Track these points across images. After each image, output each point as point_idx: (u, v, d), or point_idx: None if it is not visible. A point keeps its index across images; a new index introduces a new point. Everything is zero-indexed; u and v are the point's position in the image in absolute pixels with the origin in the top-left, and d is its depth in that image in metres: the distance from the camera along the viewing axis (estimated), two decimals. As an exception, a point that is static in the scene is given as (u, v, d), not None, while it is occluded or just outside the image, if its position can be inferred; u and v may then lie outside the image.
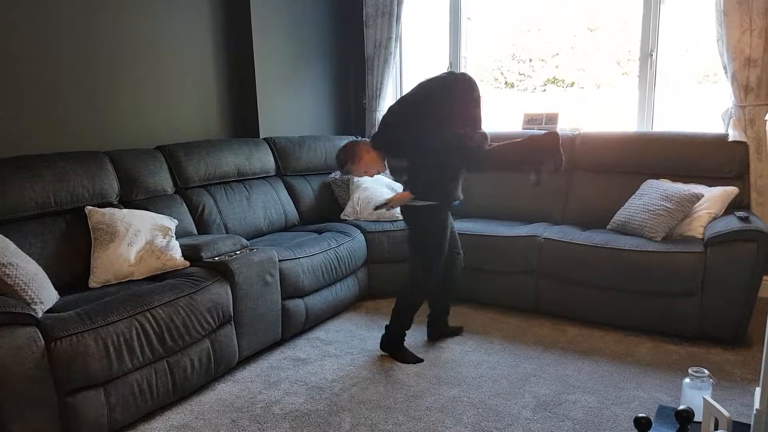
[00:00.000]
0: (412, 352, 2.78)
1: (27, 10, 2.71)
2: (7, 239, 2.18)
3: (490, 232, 3.39)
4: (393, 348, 2.78)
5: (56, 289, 2.29)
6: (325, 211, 3.93)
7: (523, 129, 4.11)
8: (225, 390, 2.51)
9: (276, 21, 3.99)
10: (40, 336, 1.90)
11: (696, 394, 1.96)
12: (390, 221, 3.70)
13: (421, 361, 2.73)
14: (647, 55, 3.70)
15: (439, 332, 3.01)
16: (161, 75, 3.38)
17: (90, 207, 2.65)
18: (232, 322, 2.60)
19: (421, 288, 2.72)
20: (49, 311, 2.11)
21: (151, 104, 3.35)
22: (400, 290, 2.77)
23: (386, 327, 2.81)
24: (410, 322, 2.77)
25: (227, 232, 3.28)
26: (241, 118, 3.95)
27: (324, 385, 2.53)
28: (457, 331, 3.06)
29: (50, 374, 1.91)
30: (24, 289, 2.04)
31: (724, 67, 3.29)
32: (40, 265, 2.30)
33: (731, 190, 3.13)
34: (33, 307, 2.02)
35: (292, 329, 2.97)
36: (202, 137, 3.66)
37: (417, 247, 2.71)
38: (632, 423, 2.12)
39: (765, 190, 3.26)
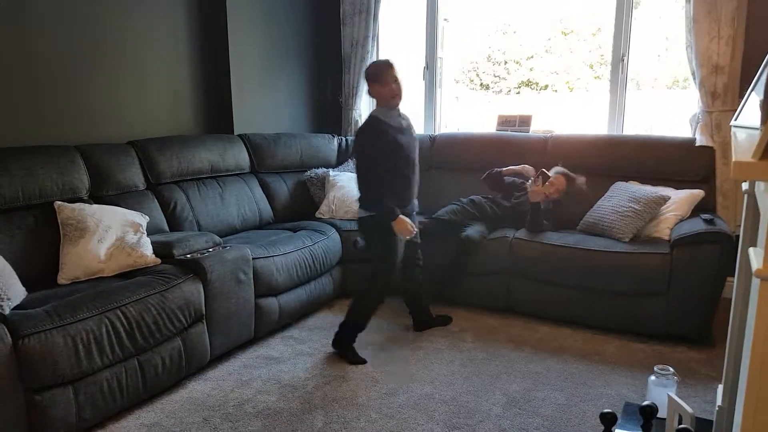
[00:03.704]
0: (357, 353, 2.78)
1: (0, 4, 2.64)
2: (-29, 234, 2.13)
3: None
4: (344, 346, 2.81)
5: (24, 285, 2.24)
6: (300, 209, 3.92)
7: (497, 130, 4.16)
8: (196, 389, 2.48)
9: (252, 17, 3.96)
10: (7, 333, 1.86)
11: (661, 391, 2.01)
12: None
13: (364, 362, 2.73)
14: (619, 59, 3.78)
15: (423, 324, 3.14)
16: (134, 70, 3.33)
17: (59, 202, 2.59)
18: (204, 321, 2.58)
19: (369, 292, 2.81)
20: (16, 308, 2.07)
21: (124, 99, 3.29)
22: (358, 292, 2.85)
23: (341, 325, 2.84)
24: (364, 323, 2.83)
25: (200, 230, 3.25)
26: (216, 115, 3.91)
27: (297, 383, 2.53)
28: (445, 321, 3.20)
29: (17, 371, 1.87)
30: (-11, 285, 1.99)
31: (693, 74, 3.39)
32: (7, 260, 2.24)
33: (697, 193, 3.21)
34: (0, 303, 1.98)
35: (265, 327, 2.96)
36: (176, 133, 3.61)
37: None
38: (599, 419, 2.17)
39: (730, 194, 3.36)
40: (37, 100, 2.87)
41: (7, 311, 1.98)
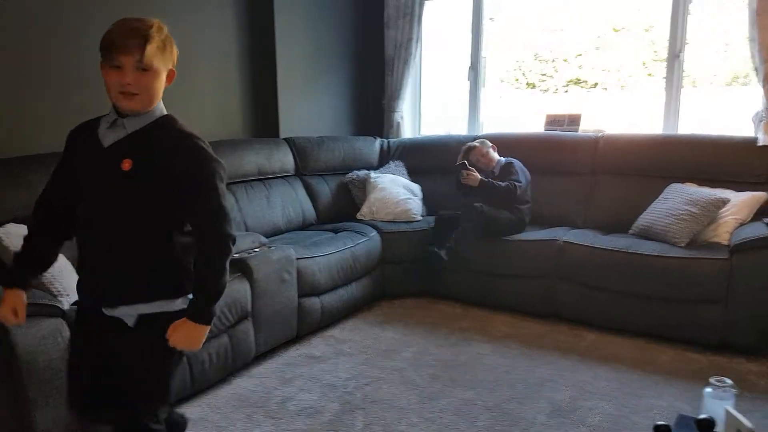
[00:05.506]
0: None
1: (55, 7, 2.77)
2: (32, 232, 2.23)
3: (508, 236, 3.36)
4: None
5: (79, 282, 2.33)
6: (342, 210, 3.93)
7: (545, 130, 4.06)
8: (241, 385, 2.53)
9: (298, 23, 4.02)
10: (66, 327, 1.94)
11: (717, 404, 1.91)
12: (406, 222, 3.69)
13: None
14: (674, 56, 3.63)
15: None
16: (185, 75, 3.41)
17: (113, 202, 2.68)
18: (250, 318, 2.63)
19: None
20: (74, 303, 2.15)
21: (175, 104, 3.36)
22: None
23: None
24: None
25: (247, 230, 3.31)
26: (263, 119, 3.98)
27: (338, 383, 2.53)
28: None
29: (71, 365, 1.95)
30: (51, 281, 2.08)
31: (755, 69, 3.21)
32: (67, 258, 2.35)
33: (759, 196, 3.04)
34: (59, 299, 2.07)
35: (307, 327, 2.99)
36: (225, 137, 3.69)
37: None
38: (651, 431, 2.08)
39: (795, 197, 3.16)
40: (90, 107, 2.99)
41: (66, 307, 2.07)
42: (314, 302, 3.01)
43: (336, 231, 3.53)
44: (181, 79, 3.40)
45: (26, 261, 1.50)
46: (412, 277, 3.57)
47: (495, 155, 3.62)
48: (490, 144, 3.64)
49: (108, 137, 1.41)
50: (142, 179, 1.37)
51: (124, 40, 1.36)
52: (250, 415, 2.28)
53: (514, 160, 3.54)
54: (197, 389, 2.40)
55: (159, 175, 1.38)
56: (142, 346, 1.43)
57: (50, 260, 1.53)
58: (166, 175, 1.38)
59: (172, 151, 1.40)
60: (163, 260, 1.44)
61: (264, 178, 3.62)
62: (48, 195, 1.50)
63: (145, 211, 1.40)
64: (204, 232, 1.43)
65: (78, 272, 1.52)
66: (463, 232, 3.33)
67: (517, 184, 3.37)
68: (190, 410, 2.31)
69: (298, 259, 2.91)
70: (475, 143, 3.65)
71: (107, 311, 1.44)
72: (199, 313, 1.43)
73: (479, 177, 3.39)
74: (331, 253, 3.13)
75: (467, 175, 3.39)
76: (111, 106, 1.43)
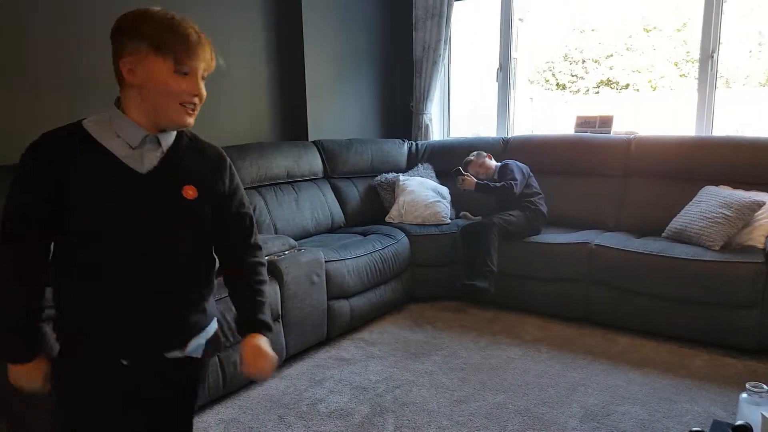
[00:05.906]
0: None
1: (85, 10, 2.86)
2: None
3: (539, 239, 3.34)
4: None
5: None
6: (371, 213, 3.96)
7: (576, 132, 4.02)
8: (272, 386, 2.57)
9: (326, 26, 4.06)
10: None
11: (754, 410, 1.87)
12: (435, 225, 3.69)
13: None
14: (708, 56, 3.56)
15: None
16: (215, 80, 3.49)
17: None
18: (280, 321, 2.67)
19: None
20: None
21: (205, 108, 3.45)
22: None
23: None
24: None
25: (276, 233, 3.36)
26: (291, 122, 4.03)
27: (368, 385, 2.55)
28: None
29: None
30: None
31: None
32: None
33: (797, 198, 2.97)
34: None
35: (337, 329, 3.02)
36: (254, 140, 3.76)
37: None
38: (685, 438, 2.05)
39: (835, 199, 3.07)
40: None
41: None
42: (343, 305, 3.04)
43: (365, 234, 3.55)
44: (210, 84, 3.47)
45: (31, 329, 1.20)
46: (444, 283, 3.58)
47: (492, 163, 3.73)
48: (486, 154, 3.77)
49: (141, 160, 1.17)
50: (207, 205, 1.23)
51: (200, 43, 1.17)
52: (281, 417, 2.31)
53: (509, 161, 3.63)
54: (229, 390, 2.44)
55: (217, 197, 1.26)
56: (204, 369, 1.38)
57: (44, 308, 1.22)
58: (220, 195, 1.27)
59: (216, 169, 1.28)
60: (213, 277, 1.36)
61: (293, 180, 3.66)
62: (24, 235, 1.13)
63: (207, 235, 1.27)
64: (247, 244, 1.36)
65: (103, 324, 1.18)
66: (487, 249, 3.30)
67: (512, 182, 3.45)
68: (222, 411, 2.36)
69: (327, 261, 2.94)
70: (471, 156, 3.77)
71: (172, 354, 1.23)
72: (267, 323, 1.33)
73: (475, 180, 3.53)
74: (360, 256, 3.15)
75: (463, 180, 3.55)
76: (117, 116, 1.22)
